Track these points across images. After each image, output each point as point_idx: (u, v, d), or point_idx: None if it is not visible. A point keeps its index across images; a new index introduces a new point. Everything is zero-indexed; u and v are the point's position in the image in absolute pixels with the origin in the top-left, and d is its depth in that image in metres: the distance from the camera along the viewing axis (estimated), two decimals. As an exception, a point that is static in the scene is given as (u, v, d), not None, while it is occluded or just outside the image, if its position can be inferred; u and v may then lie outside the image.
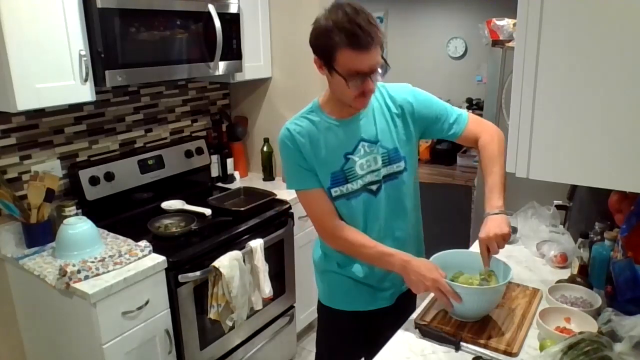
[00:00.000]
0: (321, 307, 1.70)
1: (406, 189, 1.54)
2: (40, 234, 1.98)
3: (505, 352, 1.30)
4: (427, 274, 1.36)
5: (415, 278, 1.38)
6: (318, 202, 1.47)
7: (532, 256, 1.83)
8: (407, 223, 1.57)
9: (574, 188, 1.93)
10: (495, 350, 1.31)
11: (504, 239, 1.34)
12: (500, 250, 1.36)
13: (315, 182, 1.45)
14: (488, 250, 1.37)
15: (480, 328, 1.39)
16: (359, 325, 1.65)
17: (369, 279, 1.57)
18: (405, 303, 1.65)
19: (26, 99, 1.68)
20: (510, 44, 2.82)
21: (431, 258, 1.46)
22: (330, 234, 1.49)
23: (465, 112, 1.57)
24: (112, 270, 1.78)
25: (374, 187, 1.49)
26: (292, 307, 2.65)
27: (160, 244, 1.98)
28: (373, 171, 1.47)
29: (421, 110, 1.52)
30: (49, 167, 2.10)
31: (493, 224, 1.35)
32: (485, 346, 1.32)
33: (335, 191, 1.46)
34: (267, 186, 2.69)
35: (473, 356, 1.28)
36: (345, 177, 1.45)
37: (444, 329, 1.39)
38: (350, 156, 1.45)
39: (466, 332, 1.38)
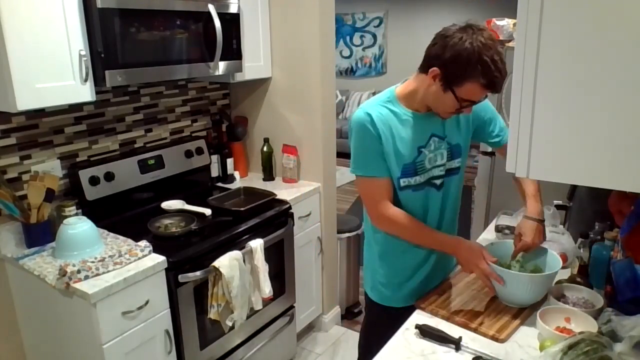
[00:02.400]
0: (371, 304, 1.73)
1: (459, 185, 1.65)
2: (40, 234, 1.98)
3: (493, 337, 1.35)
4: (472, 259, 1.47)
5: (463, 260, 1.51)
6: (382, 189, 1.51)
7: (532, 256, 1.83)
8: (455, 218, 1.68)
9: (574, 188, 1.93)
10: (484, 335, 1.36)
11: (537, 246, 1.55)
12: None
13: (386, 170, 1.50)
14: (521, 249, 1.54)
15: (476, 314, 1.45)
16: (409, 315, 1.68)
17: (423, 275, 1.65)
18: None
19: (26, 99, 1.68)
20: (510, 44, 2.82)
21: (486, 245, 1.56)
22: (387, 219, 1.54)
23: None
24: (112, 270, 1.78)
25: (438, 182, 1.56)
26: (292, 307, 2.65)
27: (160, 244, 1.98)
28: (438, 166, 1.55)
29: (480, 111, 1.61)
30: (49, 167, 2.10)
31: (536, 233, 1.52)
32: (475, 330, 1.38)
33: (404, 182, 1.51)
34: (267, 186, 2.69)
35: (473, 356, 1.28)
36: (415, 170, 1.51)
37: (439, 312, 1.46)
38: (422, 149, 1.52)
39: (461, 316, 1.44)
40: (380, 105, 1.50)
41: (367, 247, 1.72)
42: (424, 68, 1.43)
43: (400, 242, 1.60)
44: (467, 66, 1.33)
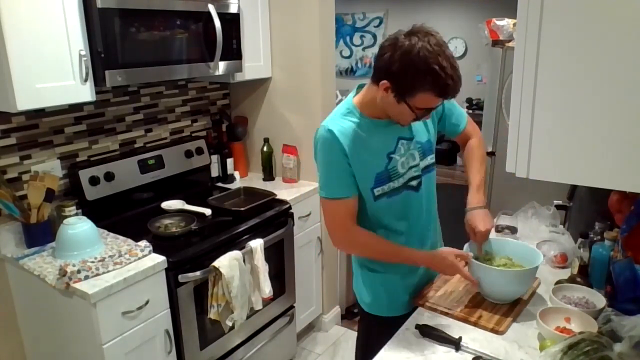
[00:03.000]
0: (367, 317, 1.68)
1: (435, 180, 1.64)
2: (40, 234, 1.98)
3: (493, 330, 1.38)
4: (448, 267, 1.48)
5: (440, 269, 1.53)
6: (347, 211, 1.47)
7: (532, 256, 1.83)
8: (436, 212, 1.69)
9: (574, 188, 1.93)
10: (484, 328, 1.40)
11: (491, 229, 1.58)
12: None
13: (354, 189, 1.46)
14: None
15: (474, 308, 1.48)
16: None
17: (415, 279, 1.64)
18: None
19: (26, 99, 1.68)
20: (510, 44, 2.82)
21: (464, 248, 1.57)
22: (350, 241, 1.52)
23: (464, 111, 1.69)
24: (112, 270, 1.78)
25: (414, 183, 1.54)
26: (292, 307, 2.65)
27: (160, 244, 1.98)
28: (412, 167, 1.52)
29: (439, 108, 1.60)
30: (49, 167, 2.10)
31: (487, 219, 1.55)
32: (475, 324, 1.42)
33: (378, 190, 1.48)
34: (267, 186, 2.69)
35: (473, 356, 1.28)
36: (389, 176, 1.49)
37: (438, 308, 1.49)
38: (392, 155, 1.48)
39: (459, 311, 1.47)
40: (341, 118, 1.45)
41: (358, 265, 1.67)
42: (375, 79, 1.39)
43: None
44: (416, 77, 1.28)
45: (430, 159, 1.58)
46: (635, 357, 1.13)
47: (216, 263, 1.99)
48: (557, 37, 0.96)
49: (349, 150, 1.42)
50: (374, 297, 1.64)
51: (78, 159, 2.23)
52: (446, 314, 1.47)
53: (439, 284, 1.63)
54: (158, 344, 1.91)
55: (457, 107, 1.66)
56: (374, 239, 1.51)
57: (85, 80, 1.83)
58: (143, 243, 1.93)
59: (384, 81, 1.34)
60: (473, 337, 1.37)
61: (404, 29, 1.33)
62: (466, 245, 1.58)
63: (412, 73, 1.28)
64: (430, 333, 1.37)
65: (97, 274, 1.75)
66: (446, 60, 1.28)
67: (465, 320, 1.44)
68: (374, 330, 1.69)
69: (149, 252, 1.91)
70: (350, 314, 3.20)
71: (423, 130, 1.55)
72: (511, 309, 1.47)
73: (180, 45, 2.14)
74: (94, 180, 2.16)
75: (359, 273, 1.67)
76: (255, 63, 2.63)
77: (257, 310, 2.28)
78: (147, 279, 1.83)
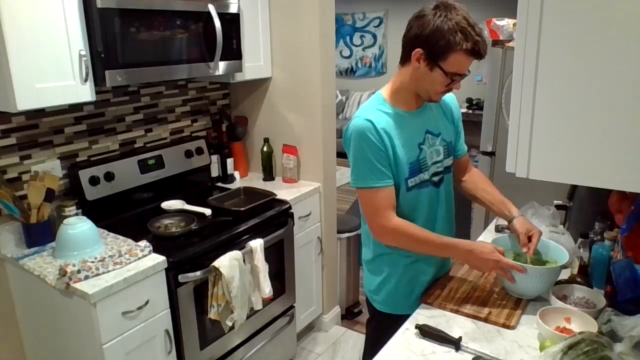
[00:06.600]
0: (380, 316, 1.66)
1: (452, 184, 1.66)
2: (40, 234, 1.98)
3: (504, 325, 1.40)
4: (489, 257, 1.45)
5: (479, 263, 1.48)
6: (386, 200, 1.47)
7: (532, 256, 1.83)
8: (453, 214, 1.68)
9: (574, 188, 1.93)
10: (495, 323, 1.41)
11: None
12: None
13: (389, 179, 1.47)
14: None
15: (482, 304, 1.50)
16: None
17: (429, 276, 1.64)
18: None
19: (26, 99, 1.68)
20: (510, 44, 2.83)
21: (491, 240, 1.58)
22: (391, 230, 1.48)
23: None
24: (112, 270, 1.78)
25: (436, 179, 1.57)
26: (292, 307, 2.65)
27: (160, 244, 1.98)
28: (436, 162, 1.55)
29: (456, 118, 1.66)
30: (49, 167, 2.10)
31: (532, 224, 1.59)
32: (485, 320, 1.43)
33: (411, 181, 1.51)
34: (267, 186, 2.69)
35: (473, 356, 1.28)
36: (420, 167, 1.51)
37: (447, 306, 1.50)
38: (422, 146, 1.52)
39: (468, 308, 1.48)
40: (375, 110, 1.48)
41: (372, 263, 1.66)
42: (405, 56, 1.45)
43: (409, 253, 1.57)
44: (448, 37, 1.33)
45: (451, 160, 1.61)
46: (635, 357, 1.13)
47: (216, 263, 1.99)
48: (557, 36, 0.96)
49: (386, 139, 1.44)
50: (388, 295, 1.64)
51: (78, 159, 2.23)
52: (456, 312, 1.48)
53: (444, 282, 1.64)
54: (158, 344, 1.91)
55: (463, 134, 1.71)
56: (414, 227, 1.48)
57: (85, 80, 1.83)
58: (143, 243, 1.93)
59: (417, 49, 1.39)
60: (473, 337, 1.37)
61: (428, 6, 1.39)
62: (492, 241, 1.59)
63: (444, 33, 1.33)
64: (430, 333, 1.37)
65: (97, 274, 1.75)
66: (473, 23, 1.36)
67: (475, 317, 1.45)
68: (386, 329, 1.67)
69: (149, 252, 1.91)
70: (350, 314, 3.20)
71: (449, 131, 1.60)
72: (517, 303, 1.50)
73: (180, 45, 2.14)
74: (94, 180, 2.16)
75: (375, 269, 1.65)
76: (255, 63, 2.63)
77: (257, 310, 2.28)
78: (147, 279, 1.83)
